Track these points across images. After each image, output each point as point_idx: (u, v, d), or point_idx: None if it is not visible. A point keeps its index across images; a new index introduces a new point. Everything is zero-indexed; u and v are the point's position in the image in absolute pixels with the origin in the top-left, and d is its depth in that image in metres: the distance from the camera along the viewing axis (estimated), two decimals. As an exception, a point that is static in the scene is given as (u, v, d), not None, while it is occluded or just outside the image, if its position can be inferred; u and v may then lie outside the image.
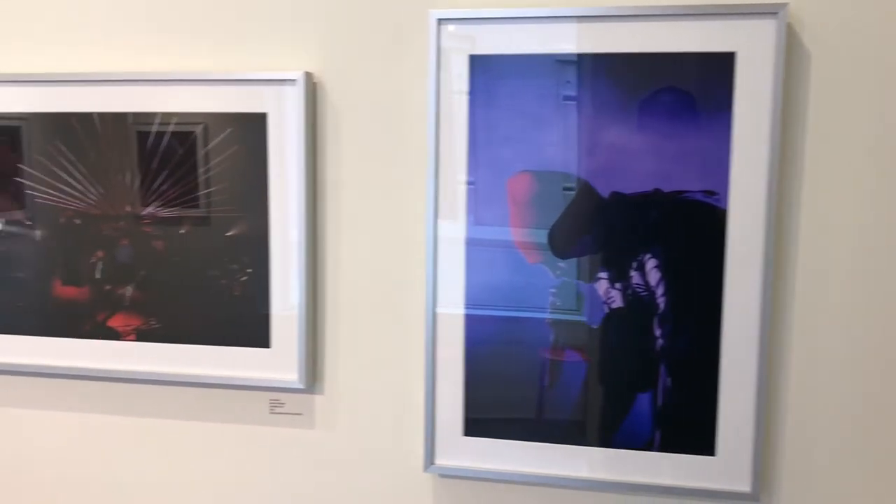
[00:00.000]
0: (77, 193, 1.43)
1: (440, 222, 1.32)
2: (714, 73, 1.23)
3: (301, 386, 1.39)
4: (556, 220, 1.28)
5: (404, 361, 1.38)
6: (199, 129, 1.38)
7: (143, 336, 1.44)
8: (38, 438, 1.52)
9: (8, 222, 1.46)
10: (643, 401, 1.29)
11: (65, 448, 1.51)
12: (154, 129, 1.39)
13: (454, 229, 1.32)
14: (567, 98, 1.27)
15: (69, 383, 1.50)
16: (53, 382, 1.50)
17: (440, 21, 1.29)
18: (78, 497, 1.52)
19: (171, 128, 1.39)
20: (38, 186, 1.44)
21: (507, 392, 1.33)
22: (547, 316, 1.30)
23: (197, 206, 1.40)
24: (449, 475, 1.36)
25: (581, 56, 1.26)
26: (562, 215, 1.28)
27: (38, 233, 1.45)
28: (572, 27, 1.26)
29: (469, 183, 1.30)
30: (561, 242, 1.29)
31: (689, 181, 1.25)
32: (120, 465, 1.50)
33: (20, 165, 1.44)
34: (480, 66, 1.29)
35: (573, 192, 1.27)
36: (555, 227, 1.29)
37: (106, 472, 1.50)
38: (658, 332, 1.28)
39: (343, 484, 1.43)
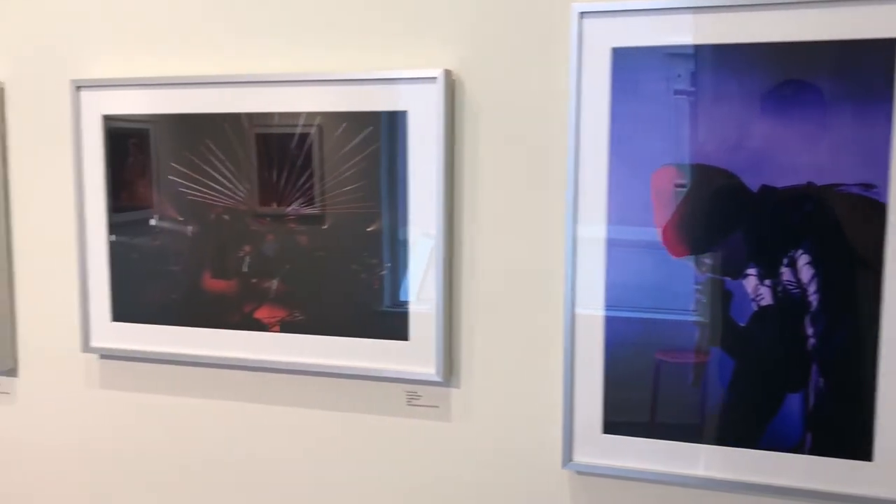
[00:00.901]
0: (226, 191, 1.50)
1: (580, 220, 1.31)
2: (872, 60, 1.17)
3: (438, 379, 1.41)
4: (702, 216, 1.25)
5: (541, 358, 1.38)
6: (341, 128, 1.42)
7: (287, 327, 1.49)
8: (189, 426, 1.60)
9: (161, 218, 1.54)
10: (793, 402, 1.25)
11: (212, 435, 1.59)
12: (298, 128, 1.44)
13: (594, 228, 1.31)
14: (712, 90, 1.24)
15: (218, 372, 1.57)
16: (203, 372, 1.58)
17: (582, 14, 1.28)
18: (224, 481, 1.59)
19: (314, 128, 1.44)
20: (189, 184, 1.52)
21: (649, 390, 1.31)
22: (691, 313, 1.27)
23: (339, 203, 1.44)
24: (587, 472, 1.36)
25: (727, 47, 1.22)
26: (708, 210, 1.25)
27: (189, 228, 1.53)
28: (720, 17, 1.23)
29: (610, 179, 1.29)
30: (707, 238, 1.26)
31: (844, 174, 1.20)
32: (262, 453, 1.56)
33: (174, 164, 1.52)
34: (623, 60, 1.27)
35: (719, 186, 1.24)
36: (700, 222, 1.26)
37: (249, 458, 1.57)
38: (810, 331, 1.23)
39: (478, 477, 1.44)
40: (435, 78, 1.36)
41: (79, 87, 1.56)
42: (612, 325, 1.31)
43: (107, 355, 1.62)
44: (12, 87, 1.64)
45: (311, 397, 1.52)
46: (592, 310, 1.32)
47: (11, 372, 1.70)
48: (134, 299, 1.57)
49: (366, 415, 1.49)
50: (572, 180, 1.31)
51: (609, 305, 1.31)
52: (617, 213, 1.30)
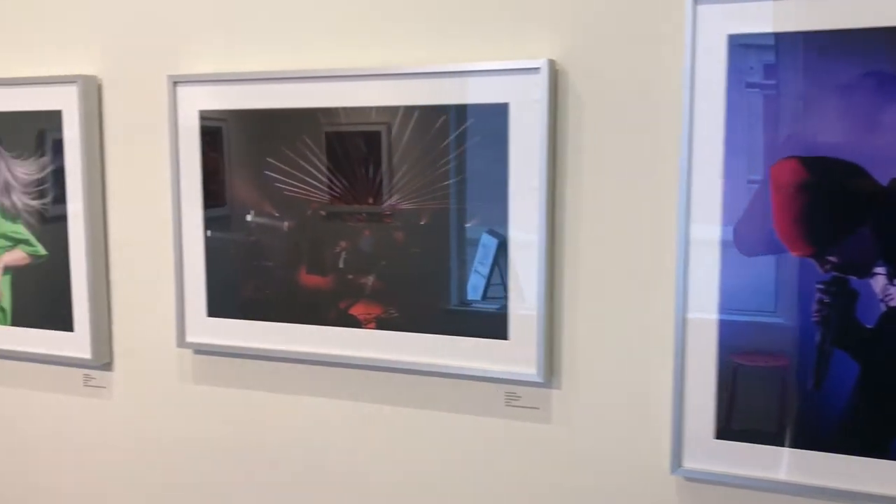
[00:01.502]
0: (323, 186, 1.48)
1: (693, 219, 1.25)
2: None
3: (539, 380, 1.37)
4: (826, 211, 1.19)
5: (647, 361, 1.33)
6: (440, 122, 1.39)
7: (382, 324, 1.47)
8: (282, 422, 1.59)
9: (258, 214, 1.53)
10: (926, 410, 1.17)
11: (306, 432, 1.58)
12: (396, 122, 1.42)
13: (708, 229, 1.25)
14: (837, 77, 1.17)
15: (313, 369, 1.56)
16: (297, 368, 1.57)
17: (696, 0, 1.23)
18: (317, 480, 1.58)
19: (412, 122, 1.41)
20: (286, 180, 1.51)
21: (765, 394, 1.24)
22: (812, 314, 1.21)
23: (436, 199, 1.41)
24: (698, 479, 1.30)
25: (853, 31, 1.15)
26: (832, 205, 1.18)
27: (285, 224, 1.52)
28: (845, 1, 1.16)
29: (726, 174, 1.23)
30: (831, 235, 1.19)
31: (985, 166, 1.11)
32: (357, 451, 1.54)
33: (270, 160, 1.51)
34: (739, 47, 1.21)
35: (845, 180, 1.17)
36: (824, 217, 1.19)
37: (343, 457, 1.55)
38: (945, 335, 1.15)
39: (580, 482, 1.40)
40: (538, 68, 1.32)
41: (176, 83, 1.56)
42: (726, 328, 1.25)
43: (201, 351, 1.63)
44: (109, 83, 1.65)
45: (407, 396, 1.50)
46: (705, 313, 1.26)
47: (107, 366, 1.72)
48: (229, 295, 1.57)
49: (462, 415, 1.46)
50: (685, 176, 1.25)
51: (724, 308, 1.25)
52: (733, 210, 1.24)
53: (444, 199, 1.40)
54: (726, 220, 1.24)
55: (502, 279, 1.40)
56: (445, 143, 1.39)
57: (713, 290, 1.26)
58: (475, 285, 1.42)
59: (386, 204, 1.44)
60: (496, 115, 1.36)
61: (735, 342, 1.25)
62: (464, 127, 1.38)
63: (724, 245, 1.25)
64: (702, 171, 1.25)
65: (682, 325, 1.27)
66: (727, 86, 1.22)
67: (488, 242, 1.42)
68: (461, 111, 1.37)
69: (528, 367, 1.38)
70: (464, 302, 1.41)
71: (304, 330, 1.53)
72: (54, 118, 1.66)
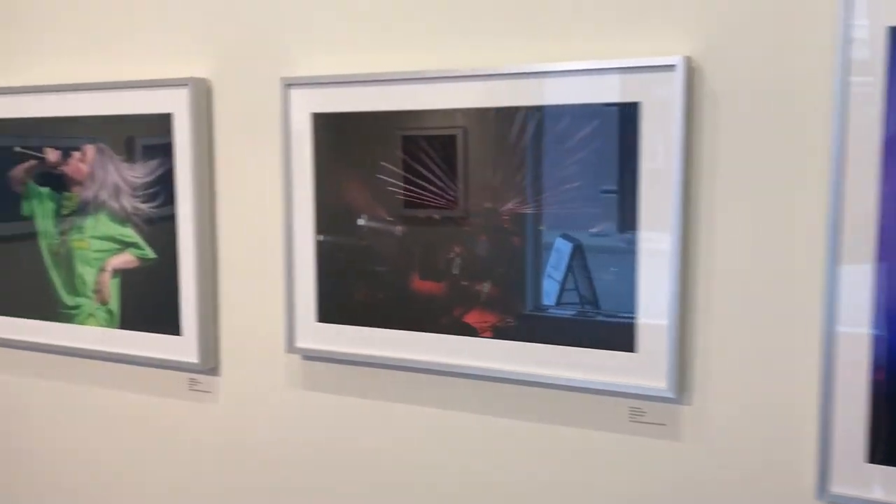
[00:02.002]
0: (437, 190, 1.44)
1: (845, 226, 1.16)
2: None
3: (670, 395, 1.29)
4: None
5: (789, 377, 1.25)
6: (564, 122, 1.33)
7: (499, 333, 1.42)
8: (391, 431, 1.55)
9: (370, 218, 1.50)
10: None
11: (417, 442, 1.53)
12: (516, 124, 1.37)
13: (860, 237, 1.16)
14: None
15: (424, 378, 1.51)
16: (408, 376, 1.53)
17: (853, -10, 1.14)
18: (426, 493, 1.54)
19: (533, 123, 1.35)
20: (399, 183, 1.47)
21: (926, 416, 1.15)
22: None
23: (557, 202, 1.35)
24: (846, 505, 1.21)
25: None
26: None
27: (398, 228, 1.48)
28: None
29: (883, 178, 1.14)
30: None
31: None
32: (468, 465, 1.49)
33: (383, 163, 1.47)
34: (902, 40, 1.12)
35: None
36: None
37: (453, 470, 1.51)
38: None
39: (713, 502, 1.32)
40: (673, 66, 1.25)
41: (289, 85, 1.54)
42: (881, 344, 1.16)
43: (310, 356, 1.60)
44: (220, 85, 1.64)
45: (522, 408, 1.44)
46: (856, 327, 1.17)
47: (214, 371, 1.71)
48: (339, 300, 1.54)
49: (581, 429, 1.40)
50: (834, 181, 1.16)
51: (877, 323, 1.16)
52: (889, 217, 1.14)
53: (566, 202, 1.34)
54: (882, 227, 1.15)
55: (576, 285, 1.34)
56: (571, 143, 1.33)
57: (865, 302, 1.17)
58: (548, 291, 1.37)
59: (504, 208, 1.39)
60: (627, 115, 1.29)
61: (891, 359, 1.16)
62: (591, 127, 1.31)
63: (879, 253, 1.15)
64: (854, 175, 1.16)
65: (830, 339, 1.19)
66: (887, 83, 1.13)
67: (562, 247, 1.36)
68: (589, 110, 1.31)
69: (657, 381, 1.31)
70: (587, 311, 1.35)
71: (415, 337, 1.49)
72: (164, 121, 1.66)
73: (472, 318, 1.44)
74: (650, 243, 1.29)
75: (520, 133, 1.36)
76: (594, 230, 1.33)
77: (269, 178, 1.61)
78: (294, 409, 1.64)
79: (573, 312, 1.36)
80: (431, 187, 1.44)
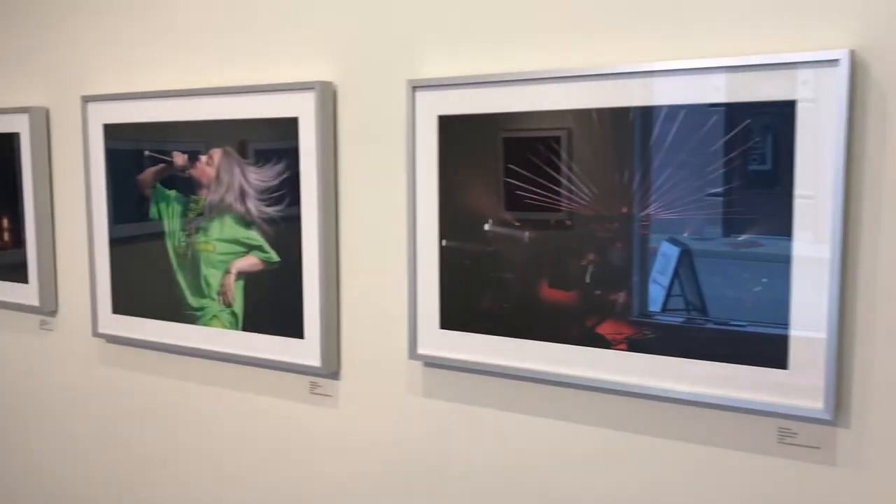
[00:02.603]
0: (569, 193, 1.38)
1: None
2: None
3: (826, 417, 1.20)
4: None
5: (966, 398, 1.13)
6: (710, 122, 1.25)
7: (635, 346, 1.35)
8: (514, 443, 1.50)
9: (496, 223, 1.45)
10: None
11: (539, 456, 1.48)
12: (657, 123, 1.29)
13: None
14: None
15: (552, 390, 1.46)
16: (534, 388, 1.47)
17: None
18: (552, 506, 1.48)
19: (676, 122, 1.28)
20: (528, 187, 1.42)
21: None
22: None
23: (702, 207, 1.27)
24: None
25: None
26: None
27: (526, 234, 1.43)
28: None
29: None
30: None
31: None
32: (594, 481, 1.43)
33: (510, 166, 1.43)
34: None
35: None
36: None
37: (580, 487, 1.44)
38: None
39: (873, 536, 1.21)
40: (836, 60, 1.15)
41: (415, 88, 1.51)
42: None
43: (433, 363, 1.57)
44: (345, 88, 1.63)
45: (659, 426, 1.36)
46: None
47: (335, 375, 1.70)
48: (464, 307, 1.50)
49: (724, 450, 1.31)
50: None
51: None
52: None
53: (712, 207, 1.26)
54: None
55: (682, 290, 1.26)
56: (718, 144, 1.25)
57: None
58: (654, 296, 1.29)
59: (642, 213, 1.32)
60: (782, 113, 1.20)
61: None
62: (741, 127, 1.23)
63: None
64: None
65: None
66: None
67: (669, 252, 1.28)
68: (738, 109, 1.23)
69: (812, 401, 1.21)
70: (733, 324, 1.26)
71: (543, 348, 1.43)
72: (290, 125, 1.66)
73: (605, 329, 1.37)
74: (806, 250, 1.20)
75: (662, 133, 1.29)
76: (742, 237, 1.24)
77: (393, 181, 1.59)
78: (414, 417, 1.61)
79: (716, 325, 1.28)
80: (563, 191, 1.38)
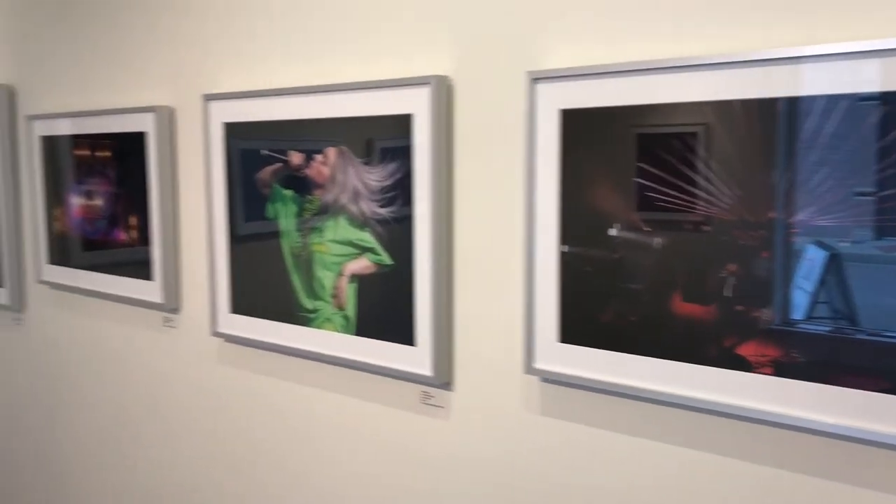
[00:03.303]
0: (707, 196, 1.23)
1: None
2: None
3: None
4: None
5: None
6: (880, 112, 1.07)
7: (782, 370, 1.18)
8: (634, 467, 1.36)
9: (623, 227, 1.32)
10: None
11: (664, 485, 1.33)
12: (814, 115, 1.12)
13: None
14: None
15: (681, 414, 1.31)
16: (663, 411, 1.33)
17: None
18: (681, 543, 1.33)
19: (838, 112, 1.10)
20: (660, 188, 1.27)
21: None
22: None
23: (856, 209, 1.09)
24: None
25: None
26: None
27: (656, 240, 1.29)
28: None
29: None
30: None
31: None
32: (734, 517, 1.27)
33: (641, 164, 1.29)
34: None
35: None
36: None
37: (717, 521, 1.29)
38: None
39: None
40: None
41: (535, 80, 1.40)
42: None
43: (550, 379, 1.45)
44: (461, 82, 1.54)
45: (808, 462, 1.19)
46: None
47: (447, 385, 1.61)
48: (585, 320, 1.38)
49: (890, 495, 1.12)
50: None
51: None
52: None
53: (881, 213, 1.08)
54: None
55: (829, 297, 1.09)
56: (880, 139, 1.07)
57: None
58: (798, 303, 1.13)
59: (792, 218, 1.15)
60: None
61: None
62: (915, 120, 1.04)
63: None
64: None
65: None
66: None
67: (815, 255, 1.12)
68: (911, 100, 1.04)
69: None
70: (875, 331, 1.08)
71: (674, 368, 1.29)
72: (404, 122, 1.58)
73: (747, 350, 1.21)
74: None
75: (818, 126, 1.12)
76: (917, 249, 1.06)
77: (510, 181, 1.48)
78: (530, 435, 1.49)
79: (868, 336, 1.09)
80: (700, 193, 1.23)
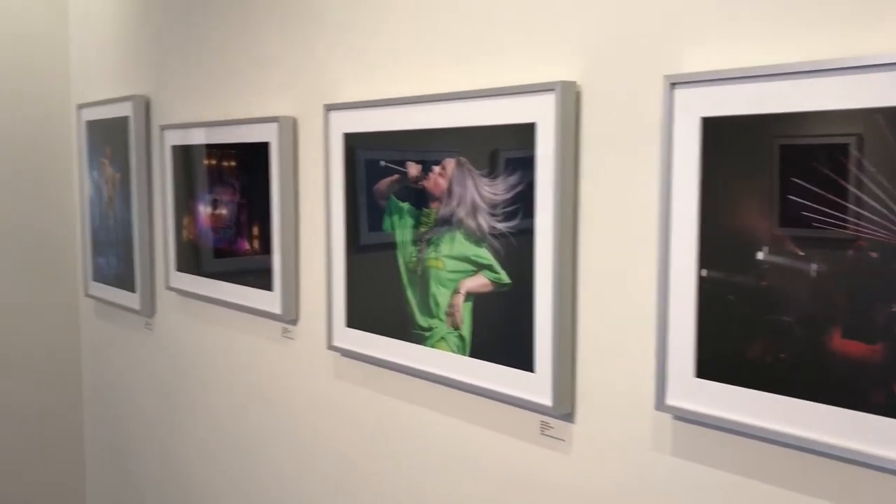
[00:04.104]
0: (876, 217, 1.05)
1: None
2: None
3: None
4: None
5: None
6: None
7: (969, 426, 0.99)
8: (787, 525, 1.20)
9: (773, 251, 1.16)
10: None
11: (823, 547, 1.16)
12: None
13: None
14: None
15: (843, 468, 1.13)
16: (815, 461, 1.16)
17: None
18: None
19: None
20: (817, 207, 1.11)
21: None
22: None
23: None
24: None
25: None
26: None
27: (813, 267, 1.12)
28: None
29: None
30: None
31: None
32: None
33: (796, 179, 1.13)
34: None
35: None
36: None
37: None
38: None
39: None
40: None
41: (673, 85, 1.26)
42: None
43: (685, 418, 1.30)
44: (589, 88, 1.42)
45: None
46: None
47: (568, 417, 1.49)
48: (726, 354, 1.22)
49: None
50: None
51: None
52: None
53: None
54: None
55: None
56: None
57: None
58: None
59: None
60: None
61: None
62: None
63: None
64: None
65: None
66: None
67: None
68: None
69: None
70: None
71: (831, 413, 1.11)
72: (527, 132, 1.48)
73: (923, 399, 1.03)
74: None
75: None
76: None
77: (643, 196, 1.34)
78: (660, 478, 1.35)
79: None
80: (866, 213, 1.06)
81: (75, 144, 3.30)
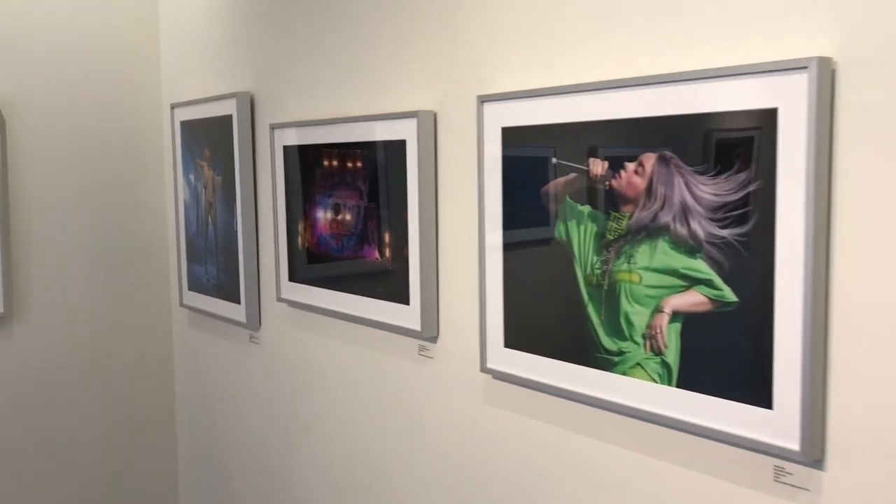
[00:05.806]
0: None
1: None
2: None
3: None
4: None
5: None
6: None
7: None
8: None
9: None
10: None
11: None
12: None
13: None
14: None
15: None
16: None
17: None
18: None
19: None
20: None
21: None
22: None
23: None
24: None
25: None
26: None
27: None
28: None
29: None
30: None
31: None
32: None
33: None
34: None
35: None
36: None
37: None
38: None
39: None
40: None
41: None
42: None
43: None
44: (846, 64, 1.16)
45: None
46: None
47: (817, 464, 1.23)
48: None
49: None
50: None
51: None
52: None
53: None
54: None
55: None
56: None
57: None
58: None
59: None
60: None
61: None
62: None
63: None
64: None
65: None
66: None
67: None
68: None
69: None
70: None
71: None
72: (761, 120, 1.23)
73: None
74: None
75: None
76: None
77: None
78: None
79: None
80: None
81: (168, 146, 3.12)
